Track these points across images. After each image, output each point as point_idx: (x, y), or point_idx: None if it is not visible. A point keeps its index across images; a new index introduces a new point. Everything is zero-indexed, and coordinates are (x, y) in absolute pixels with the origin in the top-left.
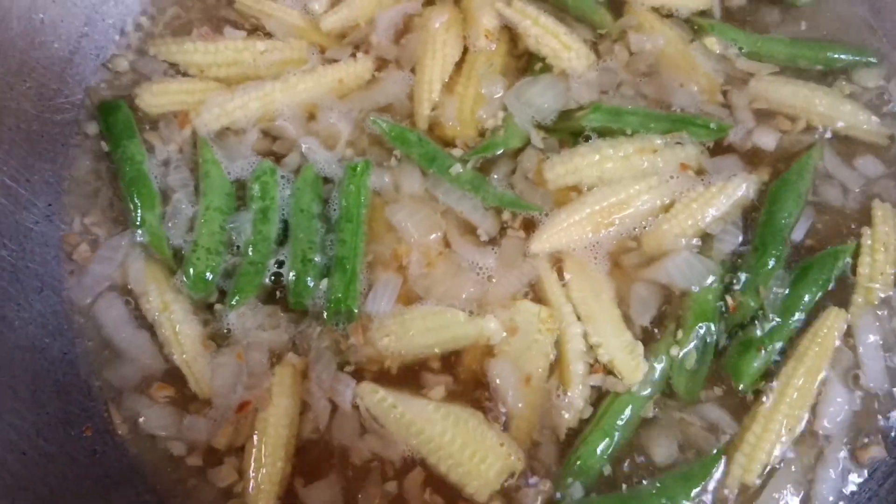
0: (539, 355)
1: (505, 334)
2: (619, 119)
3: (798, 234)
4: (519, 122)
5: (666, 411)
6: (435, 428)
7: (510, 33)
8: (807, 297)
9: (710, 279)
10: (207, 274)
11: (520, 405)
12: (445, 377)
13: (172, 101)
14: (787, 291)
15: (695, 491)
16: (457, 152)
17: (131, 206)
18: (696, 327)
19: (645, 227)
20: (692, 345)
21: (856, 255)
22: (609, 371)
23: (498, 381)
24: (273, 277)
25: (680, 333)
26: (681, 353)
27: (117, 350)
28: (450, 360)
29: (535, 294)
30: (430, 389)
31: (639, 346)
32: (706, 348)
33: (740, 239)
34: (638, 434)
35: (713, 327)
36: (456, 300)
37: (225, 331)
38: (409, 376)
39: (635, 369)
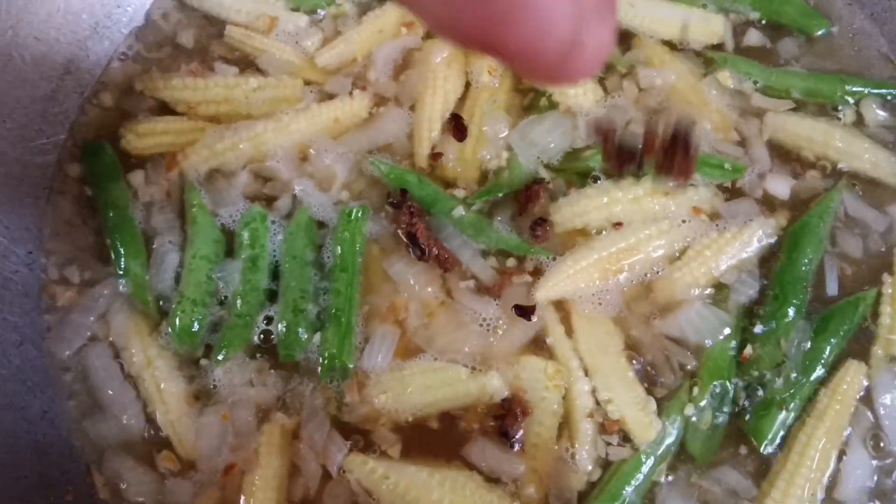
0: (546, 414)
1: (507, 392)
2: None
3: (832, 288)
4: (524, 163)
5: (680, 475)
6: (432, 495)
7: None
8: (828, 350)
9: (725, 332)
10: (194, 326)
11: (524, 468)
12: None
13: (159, 143)
14: (809, 344)
15: None
16: (459, 193)
17: (114, 254)
18: (712, 385)
19: (658, 273)
20: (707, 403)
21: (876, 304)
22: (621, 429)
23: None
24: (262, 335)
25: (695, 391)
26: (695, 413)
27: (100, 408)
28: (450, 419)
29: (541, 347)
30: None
31: (651, 403)
32: (723, 407)
33: (757, 289)
34: (651, 498)
35: (729, 385)
36: (458, 354)
37: (211, 387)
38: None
39: (648, 427)
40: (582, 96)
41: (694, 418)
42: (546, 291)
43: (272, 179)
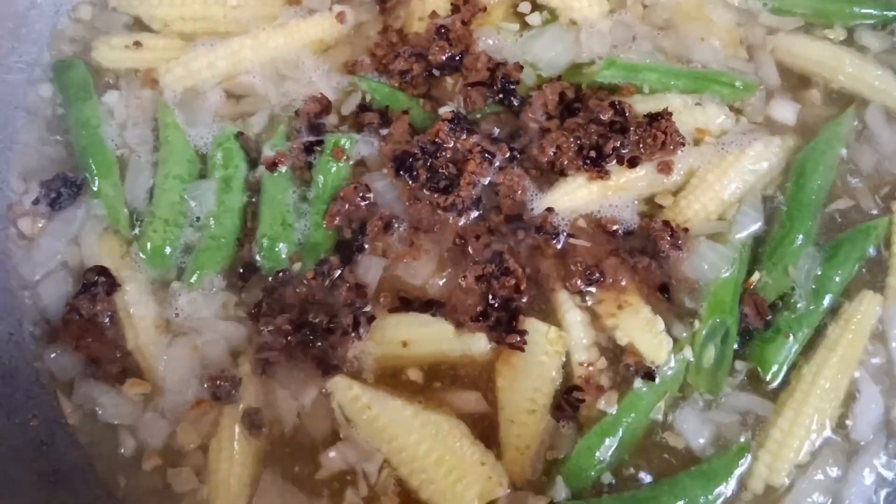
0: (541, 379)
1: (489, 347)
2: (636, 76)
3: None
4: (524, 77)
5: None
6: (410, 437)
7: None
8: (838, 278)
9: (728, 268)
10: (166, 248)
11: (514, 431)
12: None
13: (133, 57)
14: (818, 271)
15: (716, 490)
16: (445, 109)
17: (87, 174)
18: (712, 320)
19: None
20: (709, 340)
21: (889, 233)
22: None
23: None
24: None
25: (696, 325)
26: (696, 350)
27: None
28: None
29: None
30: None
31: (658, 321)
32: (726, 344)
33: (760, 223)
34: (652, 435)
35: (730, 320)
36: (448, 289)
37: (174, 316)
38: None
39: (658, 347)
40: (587, 8)
41: (692, 358)
42: (547, 202)
43: (247, 96)
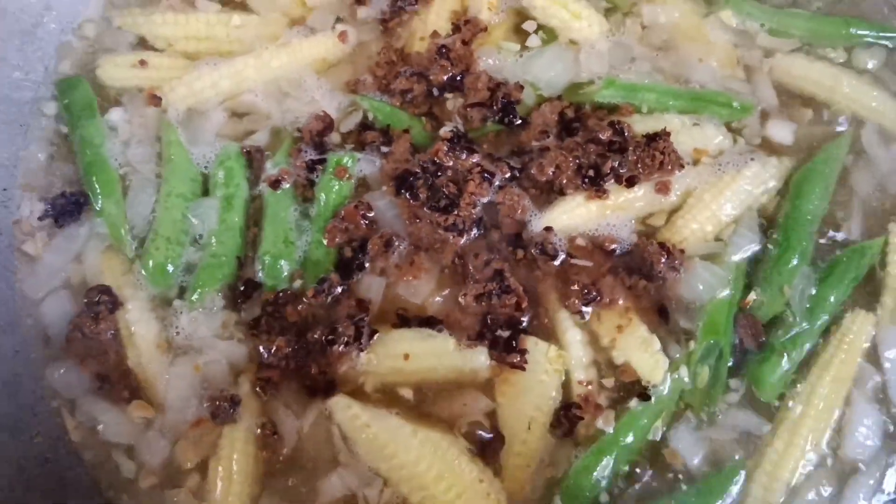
0: (542, 398)
1: (489, 363)
2: (635, 95)
3: (855, 232)
4: (525, 97)
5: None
6: (409, 454)
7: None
8: (833, 298)
9: (723, 289)
10: (168, 266)
11: (514, 450)
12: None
13: (137, 76)
14: (813, 291)
15: None
16: (447, 128)
17: (90, 193)
18: (707, 343)
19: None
20: (704, 360)
21: (883, 253)
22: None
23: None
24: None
25: (692, 345)
26: (691, 370)
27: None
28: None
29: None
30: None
31: (654, 341)
32: (720, 363)
33: (757, 243)
34: (648, 453)
35: (723, 342)
36: (447, 307)
37: (175, 334)
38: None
39: (655, 366)
40: (587, 29)
41: (687, 378)
42: (545, 220)
43: (249, 114)
